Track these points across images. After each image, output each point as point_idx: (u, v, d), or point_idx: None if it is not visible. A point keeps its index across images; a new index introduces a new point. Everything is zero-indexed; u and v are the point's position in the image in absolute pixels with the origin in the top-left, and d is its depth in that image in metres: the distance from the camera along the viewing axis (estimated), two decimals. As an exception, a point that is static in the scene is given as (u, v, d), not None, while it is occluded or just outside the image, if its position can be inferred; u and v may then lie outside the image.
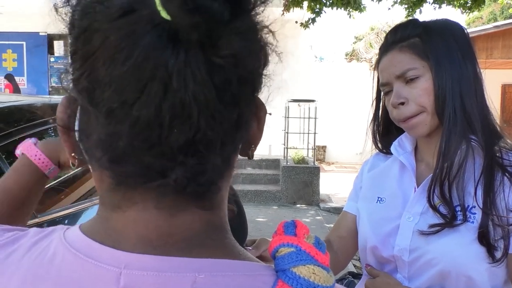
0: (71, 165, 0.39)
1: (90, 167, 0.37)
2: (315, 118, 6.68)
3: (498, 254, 0.77)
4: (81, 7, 0.32)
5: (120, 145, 0.31)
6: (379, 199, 0.93)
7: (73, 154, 0.37)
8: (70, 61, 0.34)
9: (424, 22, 0.87)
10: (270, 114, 0.40)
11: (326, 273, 0.34)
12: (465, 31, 0.86)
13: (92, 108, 0.32)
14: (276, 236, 0.36)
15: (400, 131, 0.93)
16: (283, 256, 0.34)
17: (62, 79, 0.35)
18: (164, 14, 0.28)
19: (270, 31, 0.35)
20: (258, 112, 0.38)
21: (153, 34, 0.29)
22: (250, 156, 0.39)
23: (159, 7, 0.28)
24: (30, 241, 0.38)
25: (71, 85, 0.34)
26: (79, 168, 0.37)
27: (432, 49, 0.82)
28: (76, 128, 0.35)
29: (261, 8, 0.34)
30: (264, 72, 0.36)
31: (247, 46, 0.31)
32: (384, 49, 0.88)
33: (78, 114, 0.35)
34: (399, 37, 0.85)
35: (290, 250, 0.34)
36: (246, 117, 0.35)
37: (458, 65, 0.82)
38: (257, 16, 0.33)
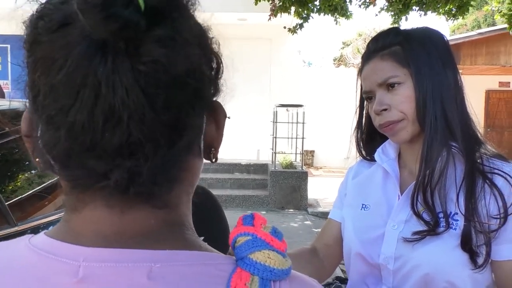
0: (39, 169, 0.41)
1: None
2: (303, 123, 6.71)
3: (480, 261, 0.77)
4: (29, 21, 0.35)
5: (59, 149, 0.33)
6: (364, 206, 0.94)
7: (37, 160, 0.39)
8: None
9: (404, 30, 0.88)
10: (229, 117, 0.42)
11: (282, 257, 0.36)
12: (445, 39, 0.87)
13: (34, 115, 0.35)
14: (234, 228, 0.38)
15: (384, 139, 0.93)
16: (240, 245, 0.36)
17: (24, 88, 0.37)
18: (82, 20, 0.30)
19: (211, 38, 0.37)
20: (216, 116, 0.39)
21: (84, 44, 0.31)
22: (212, 159, 0.41)
23: (81, 19, 0.30)
24: None
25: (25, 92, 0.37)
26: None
27: (413, 57, 0.83)
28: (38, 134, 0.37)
29: (198, 15, 0.36)
30: (218, 77, 0.38)
31: (169, 53, 0.32)
32: (366, 58, 0.88)
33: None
34: (381, 45, 0.86)
35: (247, 239, 0.36)
36: (193, 121, 0.36)
37: (439, 72, 0.83)
38: (188, 23, 0.35)
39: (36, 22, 0.34)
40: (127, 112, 0.31)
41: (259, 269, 0.34)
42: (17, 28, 0.36)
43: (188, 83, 0.34)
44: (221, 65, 0.38)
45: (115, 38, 0.30)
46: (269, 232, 0.37)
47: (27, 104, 0.36)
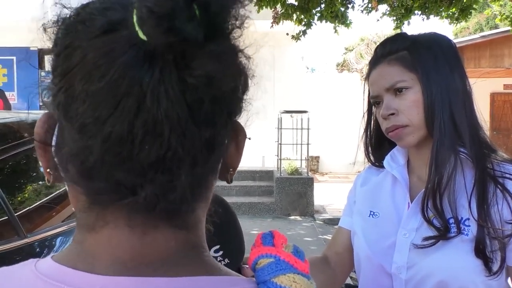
0: (47, 181, 0.39)
1: (66, 185, 0.36)
2: (308, 128, 6.71)
3: (495, 267, 0.76)
4: (65, 26, 0.34)
5: (91, 160, 0.31)
6: (372, 213, 0.93)
7: (48, 170, 0.37)
8: (51, 76, 0.34)
9: (412, 35, 0.88)
10: (249, 138, 0.41)
11: (307, 280, 0.34)
12: (453, 44, 0.87)
13: (66, 123, 0.33)
14: (254, 248, 0.36)
15: (393, 145, 0.93)
16: (262, 267, 0.34)
17: (44, 95, 0.35)
18: (141, 35, 0.29)
19: (248, 56, 0.36)
20: (237, 136, 0.38)
21: (130, 52, 0.30)
22: (229, 180, 0.40)
23: (137, 28, 0.29)
24: None
25: (50, 98, 0.35)
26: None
27: (420, 62, 0.83)
28: (53, 143, 0.36)
29: (240, 32, 0.34)
30: (244, 97, 0.37)
31: (221, 68, 0.31)
32: (374, 63, 0.88)
33: (56, 130, 0.35)
34: (388, 51, 0.86)
35: (269, 261, 0.34)
36: (221, 139, 0.35)
37: (446, 77, 0.82)
38: (235, 41, 0.34)
39: (75, 26, 0.32)
40: (169, 125, 0.30)
41: None
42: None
43: (229, 100, 0.34)
44: (248, 85, 0.37)
45: (168, 50, 0.29)
46: (291, 252, 0.35)
47: (52, 110, 0.34)
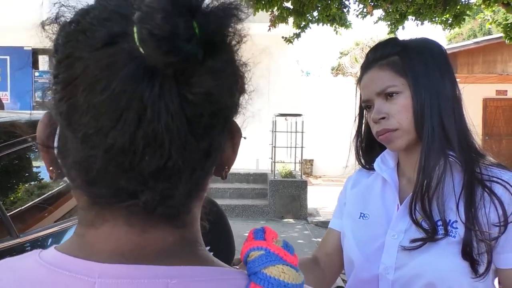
0: (50, 178, 0.40)
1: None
2: (302, 132, 6.73)
3: (481, 269, 0.78)
4: (64, 34, 0.34)
5: (94, 168, 0.32)
6: (362, 215, 0.94)
7: (51, 168, 0.38)
8: (52, 82, 0.35)
9: (403, 40, 0.90)
10: (245, 138, 0.42)
11: (295, 272, 0.36)
12: (443, 49, 0.89)
13: (68, 132, 0.34)
14: (246, 242, 0.38)
15: (383, 148, 0.94)
16: (253, 259, 0.36)
17: (45, 96, 0.36)
18: (142, 50, 0.30)
19: (245, 63, 0.37)
20: (233, 136, 0.39)
21: (131, 66, 0.31)
22: (224, 177, 0.41)
23: (137, 44, 0.30)
24: (2, 262, 0.39)
25: (52, 104, 0.35)
26: (63, 184, 0.38)
27: (411, 67, 0.84)
28: (55, 144, 0.37)
29: (238, 46, 0.36)
30: (241, 99, 0.38)
31: (220, 85, 0.33)
32: (365, 67, 0.90)
33: (58, 131, 0.36)
34: (379, 55, 0.87)
35: (260, 253, 0.36)
36: (217, 144, 0.36)
37: (436, 83, 0.84)
38: (233, 53, 0.35)
39: (76, 35, 0.33)
40: (169, 138, 0.31)
41: (273, 284, 0.34)
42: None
43: (228, 111, 0.35)
44: (245, 88, 0.38)
45: (168, 68, 0.30)
46: (281, 246, 0.37)
47: (54, 116, 0.35)
